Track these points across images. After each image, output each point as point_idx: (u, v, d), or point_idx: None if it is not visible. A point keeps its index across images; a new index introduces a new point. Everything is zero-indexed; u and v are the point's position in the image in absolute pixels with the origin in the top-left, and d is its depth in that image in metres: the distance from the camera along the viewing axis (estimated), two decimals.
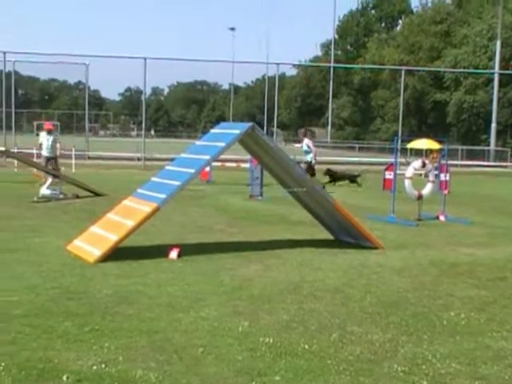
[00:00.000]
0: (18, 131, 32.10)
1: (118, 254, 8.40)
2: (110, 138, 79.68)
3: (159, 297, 6.67)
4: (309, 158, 19.06)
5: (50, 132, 18.74)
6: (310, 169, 18.72)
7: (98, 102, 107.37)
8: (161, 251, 8.91)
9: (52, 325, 5.61)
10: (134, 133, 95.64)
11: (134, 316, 5.97)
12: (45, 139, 18.49)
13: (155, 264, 8.27)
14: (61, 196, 15.76)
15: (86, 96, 36.36)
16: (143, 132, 33.42)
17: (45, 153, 18.35)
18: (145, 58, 30.13)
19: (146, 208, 8.78)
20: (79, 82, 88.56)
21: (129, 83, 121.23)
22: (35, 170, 19.16)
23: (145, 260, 8.46)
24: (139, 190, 9.56)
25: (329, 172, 22.45)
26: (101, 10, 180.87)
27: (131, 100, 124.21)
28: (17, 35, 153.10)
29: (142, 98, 38.84)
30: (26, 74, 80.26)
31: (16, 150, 26.91)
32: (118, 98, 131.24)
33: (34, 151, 27.29)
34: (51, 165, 18.19)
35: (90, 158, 31.89)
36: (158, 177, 9.72)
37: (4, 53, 30.20)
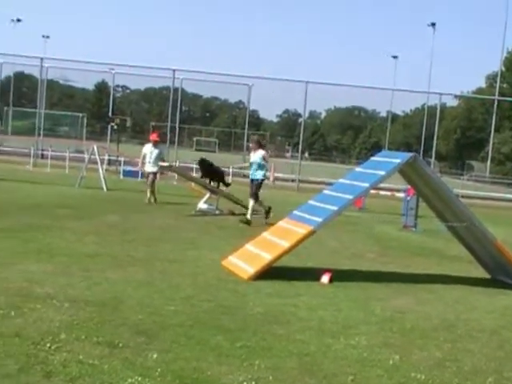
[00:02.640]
0: (179, 146, 33.41)
1: (270, 273, 8.51)
2: None
3: (310, 320, 6.68)
4: (260, 174, 15.16)
5: (155, 144, 18.00)
6: (258, 189, 15.18)
7: (256, 121, 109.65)
8: (312, 274, 8.93)
9: (205, 337, 5.75)
10: (288, 154, 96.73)
11: (285, 337, 6.00)
12: (148, 152, 17.81)
13: (307, 286, 8.31)
14: (217, 212, 16.16)
15: (247, 116, 37.26)
16: (299, 154, 33.76)
17: (147, 167, 17.79)
18: (306, 82, 30.51)
19: (302, 230, 8.84)
20: (239, 101, 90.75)
21: (287, 105, 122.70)
22: (193, 184, 19.75)
23: (296, 281, 8.51)
24: (296, 212, 9.65)
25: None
26: (266, 35, 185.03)
27: (288, 122, 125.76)
28: (185, 54, 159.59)
29: (300, 121, 39.22)
30: (190, 91, 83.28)
31: (177, 164, 28.02)
32: (275, 119, 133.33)
33: (194, 165, 28.35)
34: (152, 180, 17.56)
35: (245, 176, 32.56)
36: (315, 200, 9.77)
37: (173, 70, 31.62)
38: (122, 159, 28.34)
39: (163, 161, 18.32)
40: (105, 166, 24.12)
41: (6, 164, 25.54)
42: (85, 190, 19.01)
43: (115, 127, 31.38)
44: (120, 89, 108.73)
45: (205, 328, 6.02)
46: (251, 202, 14.89)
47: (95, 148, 21.85)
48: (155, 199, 17.48)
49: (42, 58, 32.32)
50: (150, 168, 17.66)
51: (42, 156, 31.13)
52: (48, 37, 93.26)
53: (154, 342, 5.47)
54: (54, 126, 44.62)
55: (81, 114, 47.15)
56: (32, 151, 29.09)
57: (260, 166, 15.08)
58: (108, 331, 5.63)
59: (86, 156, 22.95)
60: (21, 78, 61.83)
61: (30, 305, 6.21)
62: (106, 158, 28.52)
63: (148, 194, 17.37)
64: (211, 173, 16.67)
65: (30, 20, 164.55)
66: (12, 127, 44.04)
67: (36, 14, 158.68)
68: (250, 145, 16.31)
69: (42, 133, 32.03)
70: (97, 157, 21.61)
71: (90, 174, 21.35)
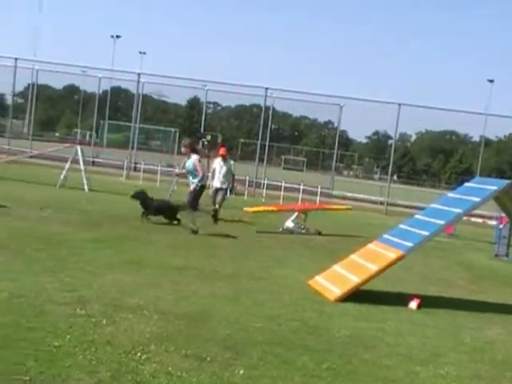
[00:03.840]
0: (267, 164, 33.58)
1: (357, 295, 8.44)
2: (352, 178, 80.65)
3: (397, 345, 6.58)
4: (195, 181, 13.72)
5: (224, 159, 16.89)
6: (194, 198, 13.69)
7: (344, 142, 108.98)
8: (400, 299, 8.81)
9: (291, 356, 5.75)
10: (376, 176, 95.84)
11: (371, 361, 5.94)
12: (218, 166, 16.73)
13: (394, 311, 8.19)
14: (303, 231, 16.14)
15: (337, 136, 37.04)
16: (389, 176, 33.26)
17: (216, 182, 16.60)
18: (399, 104, 30.16)
19: (392, 254, 8.74)
20: (329, 121, 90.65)
21: (377, 127, 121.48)
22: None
23: (383, 306, 8.40)
24: (385, 236, 9.55)
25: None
26: (359, 56, 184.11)
27: (377, 144, 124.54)
28: (277, 72, 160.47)
29: (390, 143, 38.72)
30: (280, 110, 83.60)
31: (265, 182, 28.23)
32: (364, 141, 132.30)
33: (283, 184, 28.49)
34: (221, 197, 16.47)
35: (333, 196, 32.43)
36: (406, 224, 9.65)
37: (266, 88, 31.89)
38: (211, 175, 28.68)
39: (234, 176, 17.51)
40: None
41: (100, 175, 26.25)
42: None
43: (205, 143, 31.83)
44: (211, 105, 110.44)
45: (291, 347, 6.02)
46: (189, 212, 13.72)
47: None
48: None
49: (139, 74, 33.19)
50: (218, 184, 16.57)
51: (135, 169, 31.89)
52: (145, 53, 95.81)
53: (241, 357, 5.51)
54: (146, 139, 45.77)
55: (173, 129, 48.24)
56: (125, 164, 29.83)
57: (193, 173, 13.77)
58: (196, 344, 5.71)
59: (177, 170, 23.37)
60: (117, 92, 63.71)
61: (121, 314, 6.38)
62: None
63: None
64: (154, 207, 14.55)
65: (128, 36, 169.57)
66: (107, 140, 45.43)
67: (134, 30, 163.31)
68: (182, 149, 14.48)
69: (135, 146, 32.83)
70: None
71: (180, 188, 21.71)
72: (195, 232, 13.41)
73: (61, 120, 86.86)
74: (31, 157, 28.31)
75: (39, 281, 7.37)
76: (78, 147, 22.18)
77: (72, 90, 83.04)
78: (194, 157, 13.79)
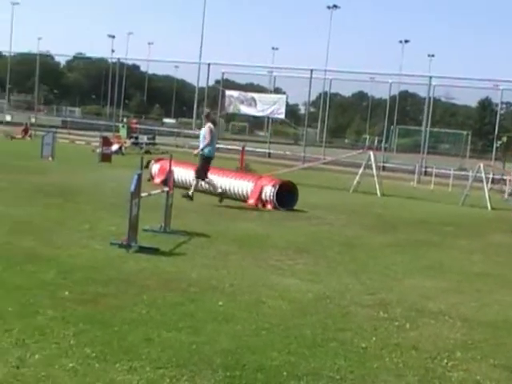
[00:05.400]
0: None
1: None
2: None
3: None
4: (205, 150, 13.73)
5: None
6: (201, 166, 13.83)
7: None
8: None
9: None
10: None
11: None
12: None
13: None
14: None
15: None
16: None
17: None
18: None
19: None
20: None
21: None
22: None
23: None
24: None
25: None
26: None
27: None
28: None
29: None
30: None
31: None
32: None
33: None
34: None
35: None
36: None
37: None
38: (508, 178, 27.31)
39: None
40: (489, 185, 23.52)
41: (391, 180, 26.35)
42: (468, 209, 18.79)
43: (498, 145, 30.57)
44: (504, 105, 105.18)
45: None
46: (193, 178, 14.08)
47: (481, 166, 21.54)
48: None
49: (430, 77, 32.83)
50: None
51: (426, 173, 31.50)
52: (433, 55, 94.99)
53: None
54: (436, 143, 45.06)
55: (465, 132, 46.94)
56: (416, 168, 29.64)
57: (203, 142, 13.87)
58: (504, 354, 5.51)
59: (471, 174, 22.74)
60: (404, 96, 63.71)
61: (423, 319, 6.37)
62: (491, 176, 27.77)
63: None
64: None
65: (416, 40, 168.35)
66: (397, 144, 45.60)
67: (423, 34, 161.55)
68: (203, 117, 15.22)
69: (425, 150, 32.43)
70: (482, 175, 21.25)
71: (474, 193, 21.05)
72: (188, 197, 13.45)
73: (350, 126, 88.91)
74: (324, 163, 29.39)
75: (342, 282, 7.63)
76: (371, 153, 22.52)
77: (360, 96, 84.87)
78: (207, 124, 13.91)
